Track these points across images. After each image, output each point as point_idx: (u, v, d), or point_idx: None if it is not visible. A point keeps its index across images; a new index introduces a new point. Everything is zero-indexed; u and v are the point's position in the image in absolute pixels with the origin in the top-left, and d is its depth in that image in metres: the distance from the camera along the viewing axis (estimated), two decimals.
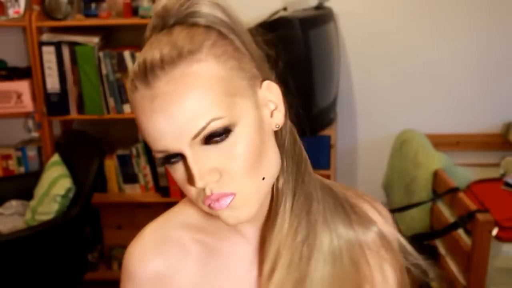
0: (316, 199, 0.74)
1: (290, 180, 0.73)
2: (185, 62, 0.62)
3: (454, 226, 1.95)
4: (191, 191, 0.67)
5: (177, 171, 0.67)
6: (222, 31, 0.67)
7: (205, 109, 0.62)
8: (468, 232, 1.93)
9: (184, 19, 0.66)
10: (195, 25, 0.66)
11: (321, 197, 0.75)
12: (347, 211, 0.77)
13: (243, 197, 0.66)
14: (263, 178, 0.68)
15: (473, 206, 1.90)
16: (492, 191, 2.18)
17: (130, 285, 0.77)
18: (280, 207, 0.73)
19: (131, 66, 2.46)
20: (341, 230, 0.75)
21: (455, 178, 2.20)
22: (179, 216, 0.79)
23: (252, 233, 0.77)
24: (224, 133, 0.63)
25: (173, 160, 0.66)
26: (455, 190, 2.06)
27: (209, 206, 0.66)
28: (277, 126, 0.71)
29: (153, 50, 0.64)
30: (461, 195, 2.02)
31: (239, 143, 0.64)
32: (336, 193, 0.78)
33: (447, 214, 2.09)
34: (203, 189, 0.65)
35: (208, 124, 0.62)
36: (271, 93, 0.70)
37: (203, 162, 0.64)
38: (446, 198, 2.13)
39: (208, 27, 0.66)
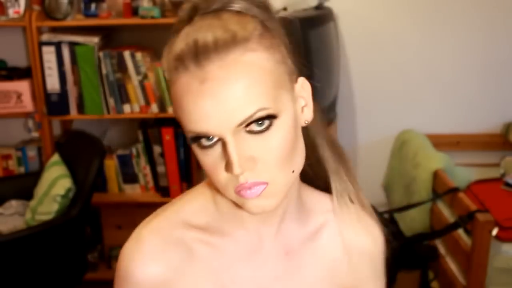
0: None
1: None
2: (238, 49, 0.63)
3: (454, 226, 1.95)
4: (221, 177, 0.66)
5: (209, 156, 0.66)
6: (266, 24, 0.68)
7: (254, 98, 0.62)
8: (468, 232, 1.93)
9: (230, 6, 0.66)
10: (241, 13, 0.66)
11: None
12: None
13: (274, 187, 0.66)
14: (293, 171, 0.68)
15: (473, 206, 1.90)
16: (492, 191, 2.18)
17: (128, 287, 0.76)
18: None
19: (131, 66, 2.46)
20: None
21: (455, 178, 2.19)
22: (180, 214, 0.77)
23: (254, 226, 0.76)
24: (267, 124, 0.64)
25: (207, 143, 0.65)
26: (455, 190, 2.06)
27: (239, 193, 0.66)
28: (306, 122, 0.73)
29: (205, 32, 0.63)
30: (461, 195, 2.02)
31: (278, 135, 0.65)
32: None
33: (447, 214, 2.09)
34: (237, 177, 0.65)
35: (255, 113, 0.63)
36: (304, 90, 0.73)
37: (243, 149, 0.64)
38: (446, 198, 2.13)
39: (254, 17, 0.67)
